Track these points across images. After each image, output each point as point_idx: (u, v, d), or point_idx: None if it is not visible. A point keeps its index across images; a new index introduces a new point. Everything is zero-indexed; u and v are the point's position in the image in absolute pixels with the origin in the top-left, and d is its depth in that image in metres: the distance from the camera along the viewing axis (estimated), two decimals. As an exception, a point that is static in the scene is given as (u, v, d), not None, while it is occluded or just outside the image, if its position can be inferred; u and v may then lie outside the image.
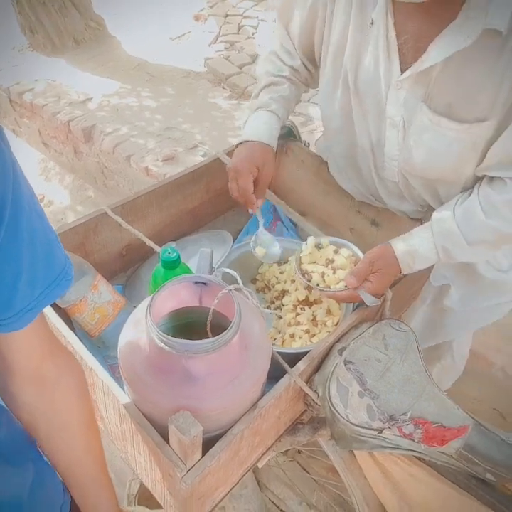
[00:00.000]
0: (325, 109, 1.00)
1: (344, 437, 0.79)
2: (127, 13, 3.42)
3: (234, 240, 1.09)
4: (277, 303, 1.03)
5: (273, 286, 1.04)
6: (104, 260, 1.03)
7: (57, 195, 2.54)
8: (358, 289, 0.83)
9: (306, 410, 0.92)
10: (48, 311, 0.78)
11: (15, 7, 2.89)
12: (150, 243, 0.94)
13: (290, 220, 1.22)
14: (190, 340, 0.60)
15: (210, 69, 2.86)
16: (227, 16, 3.37)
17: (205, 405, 0.65)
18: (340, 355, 0.82)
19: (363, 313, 0.88)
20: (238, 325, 0.64)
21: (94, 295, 0.90)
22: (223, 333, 0.61)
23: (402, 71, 0.83)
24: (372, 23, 0.83)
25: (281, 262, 1.06)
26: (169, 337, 0.60)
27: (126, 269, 1.11)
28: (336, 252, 0.91)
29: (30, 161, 2.74)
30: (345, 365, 0.81)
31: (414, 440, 0.77)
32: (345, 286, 0.84)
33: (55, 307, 0.86)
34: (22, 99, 2.58)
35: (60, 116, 2.43)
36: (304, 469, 1.55)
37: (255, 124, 1.00)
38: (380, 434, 0.77)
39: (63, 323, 0.79)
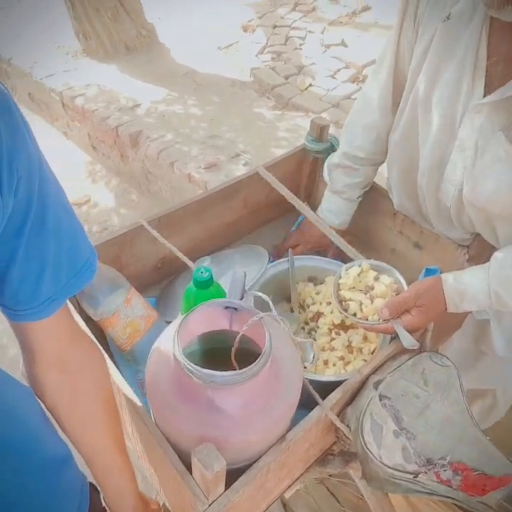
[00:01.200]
0: (395, 131, 0.96)
1: (377, 478, 0.74)
2: (177, 21, 3.47)
3: (270, 255, 1.06)
4: (312, 324, 0.99)
5: (308, 307, 1.01)
6: (139, 272, 1.02)
7: (102, 197, 2.59)
8: (395, 323, 0.79)
9: (336, 442, 0.88)
10: (82, 326, 0.78)
11: (70, 13, 2.98)
12: (184, 258, 0.92)
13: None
14: (217, 372, 0.58)
15: (256, 79, 2.85)
16: (275, 27, 3.37)
17: (230, 437, 0.62)
18: (376, 389, 0.78)
19: (401, 344, 0.83)
20: (268, 356, 0.61)
21: (127, 309, 0.90)
22: (252, 365, 0.59)
23: (485, 94, 0.77)
24: (466, 48, 0.76)
25: (318, 281, 1.03)
26: (196, 367, 0.58)
27: (161, 281, 1.10)
28: (377, 278, 0.86)
29: (79, 163, 2.81)
30: (380, 400, 0.76)
31: (452, 487, 0.71)
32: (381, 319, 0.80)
33: (89, 320, 0.86)
34: (74, 103, 2.65)
35: (110, 121, 2.48)
36: (332, 494, 1.50)
37: (328, 208, 1.11)
38: (416, 479, 0.72)
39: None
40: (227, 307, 0.68)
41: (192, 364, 0.58)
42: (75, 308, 0.85)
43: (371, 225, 1.17)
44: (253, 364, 0.59)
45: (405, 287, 0.84)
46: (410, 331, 0.79)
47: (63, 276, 0.54)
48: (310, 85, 2.81)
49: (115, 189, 2.64)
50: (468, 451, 0.73)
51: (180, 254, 0.92)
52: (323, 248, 1.13)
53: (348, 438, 0.79)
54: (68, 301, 0.59)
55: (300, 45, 3.21)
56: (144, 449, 0.76)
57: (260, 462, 0.68)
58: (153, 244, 0.99)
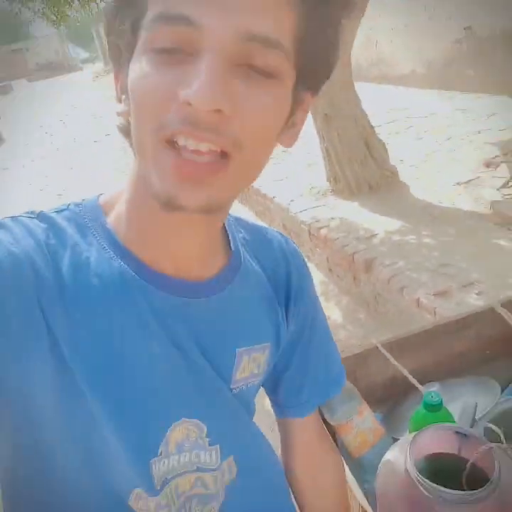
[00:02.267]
0: None
1: None
2: (419, 161, 3.78)
3: (503, 390, 1.05)
4: None
5: None
6: (369, 389, 1.13)
7: (332, 314, 2.83)
8: None
9: None
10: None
11: (325, 160, 3.56)
12: (414, 382, 1.00)
13: None
14: (447, 489, 0.63)
15: (496, 211, 2.85)
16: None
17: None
18: None
19: None
20: (497, 484, 0.63)
21: (359, 420, 1.00)
22: (481, 489, 0.62)
23: None
24: None
25: None
26: (427, 481, 0.65)
27: (387, 400, 1.18)
28: None
29: (315, 282, 3.17)
30: None
31: None
32: None
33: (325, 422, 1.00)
34: (319, 233, 3.08)
35: (347, 248, 2.79)
36: None
37: None
38: None
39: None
40: (457, 432, 0.73)
41: (423, 478, 0.65)
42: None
43: None
44: (482, 488, 0.63)
45: None
46: None
47: (320, 384, 0.70)
48: (558, 219, 2.66)
49: (345, 308, 2.87)
50: None
51: (410, 377, 1.00)
52: None
53: None
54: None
55: (548, 179, 3.11)
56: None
57: None
58: (384, 364, 1.10)
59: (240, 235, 0.64)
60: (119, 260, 0.51)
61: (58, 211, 0.52)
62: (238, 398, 0.61)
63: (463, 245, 2.62)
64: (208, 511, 0.61)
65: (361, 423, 1.00)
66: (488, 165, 3.50)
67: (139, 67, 0.43)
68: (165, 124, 0.42)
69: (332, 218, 3.18)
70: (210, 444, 0.58)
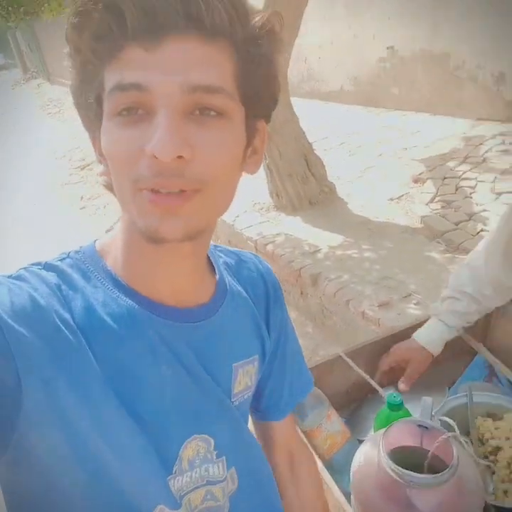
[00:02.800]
0: None
1: None
2: (353, 179, 4.02)
3: (449, 389, 1.20)
4: (491, 458, 1.07)
5: (487, 441, 1.10)
6: (333, 395, 1.24)
7: (280, 328, 2.95)
8: None
9: None
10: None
11: (267, 177, 3.70)
12: (376, 386, 1.12)
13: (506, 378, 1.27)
14: (416, 473, 0.75)
15: (426, 225, 3.11)
16: (445, 178, 3.67)
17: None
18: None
19: None
20: (456, 467, 0.76)
21: (328, 424, 1.11)
22: (445, 471, 0.74)
23: None
24: None
25: (497, 417, 1.12)
26: (398, 467, 0.76)
27: (349, 404, 1.30)
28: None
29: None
30: None
31: None
32: None
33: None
34: (265, 249, 3.20)
35: (294, 264, 2.93)
36: None
37: (428, 332, 1.23)
38: None
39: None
40: (420, 426, 0.85)
41: (395, 465, 0.76)
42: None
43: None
44: (445, 471, 0.75)
45: None
46: None
47: (295, 388, 0.80)
48: (481, 230, 2.95)
49: (294, 322, 2.97)
50: None
51: (372, 381, 1.12)
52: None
53: None
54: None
55: (470, 193, 3.43)
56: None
57: None
58: (347, 371, 1.21)
59: (221, 260, 0.70)
60: (124, 298, 0.56)
61: (61, 260, 0.57)
62: (238, 410, 0.67)
63: (400, 258, 2.84)
64: None
65: (330, 427, 1.11)
66: (416, 181, 3.80)
67: (107, 132, 0.50)
68: (139, 179, 0.48)
69: (277, 234, 3.31)
70: (217, 457, 0.63)
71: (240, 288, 0.69)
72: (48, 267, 0.55)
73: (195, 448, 0.60)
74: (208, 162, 0.48)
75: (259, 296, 0.72)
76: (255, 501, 0.72)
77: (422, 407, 0.92)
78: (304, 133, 3.60)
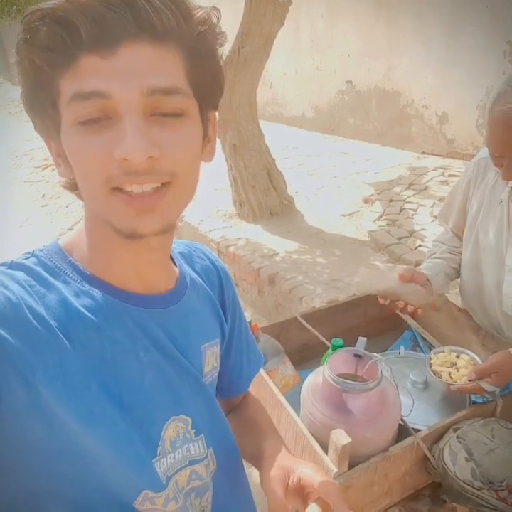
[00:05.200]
0: (463, 258, 1.43)
1: (452, 491, 1.05)
2: (311, 194, 4.37)
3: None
4: None
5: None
6: (288, 350, 1.50)
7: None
8: (481, 382, 1.15)
9: (427, 486, 1.18)
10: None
11: (232, 187, 3.97)
12: (324, 340, 1.39)
13: (427, 346, 1.57)
14: (350, 381, 1.01)
15: (373, 239, 3.47)
16: (391, 200, 4.08)
17: (354, 430, 1.02)
18: (454, 432, 1.12)
19: (476, 410, 1.17)
20: (380, 379, 1.03)
21: (282, 368, 1.36)
22: (372, 380, 1.01)
23: None
24: (501, 202, 1.27)
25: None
26: (337, 377, 1.02)
27: (301, 363, 1.56)
28: (458, 356, 1.25)
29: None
30: (457, 438, 1.10)
31: (507, 503, 1.00)
32: (468, 381, 1.17)
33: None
34: (227, 251, 3.45)
35: (253, 264, 3.19)
36: None
37: (428, 265, 1.48)
38: (481, 492, 1.02)
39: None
40: (355, 355, 1.12)
41: (334, 375, 1.02)
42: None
43: (460, 340, 1.54)
44: (371, 381, 1.01)
45: (480, 361, 1.21)
46: (490, 390, 1.15)
47: (251, 363, 0.85)
48: (419, 246, 3.34)
49: (249, 317, 3.24)
50: (522, 479, 1.02)
51: (321, 336, 1.39)
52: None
53: (434, 467, 1.11)
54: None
55: (412, 214, 3.84)
56: (293, 446, 1.16)
57: (371, 459, 1.04)
58: (300, 331, 1.48)
59: (176, 251, 0.73)
60: (96, 289, 0.57)
61: (26, 258, 0.57)
62: (210, 388, 0.71)
63: (348, 265, 3.17)
64: (205, 501, 0.68)
65: (285, 370, 1.36)
66: (366, 201, 4.19)
67: (72, 139, 0.50)
68: (110, 178, 0.49)
69: (239, 238, 3.57)
70: (196, 435, 0.65)
71: (195, 275, 0.72)
72: (14, 265, 0.55)
73: (175, 429, 0.62)
74: (174, 158, 0.51)
75: (213, 281, 0.75)
76: (233, 479, 0.75)
77: (357, 344, 1.20)
78: (268, 149, 3.91)
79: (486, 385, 1.14)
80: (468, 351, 1.27)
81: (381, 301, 1.37)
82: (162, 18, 0.48)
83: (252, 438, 0.78)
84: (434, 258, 1.51)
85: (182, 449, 0.63)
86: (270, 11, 3.29)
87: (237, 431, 0.79)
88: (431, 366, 1.26)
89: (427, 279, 1.39)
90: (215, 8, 0.54)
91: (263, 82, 5.95)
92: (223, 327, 0.76)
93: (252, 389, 0.91)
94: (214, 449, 0.69)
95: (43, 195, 6.05)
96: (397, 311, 1.39)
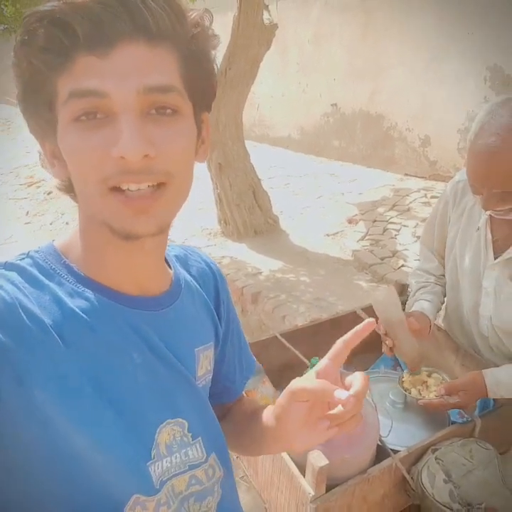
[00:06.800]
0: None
1: (431, 513, 1.04)
2: (295, 214, 4.40)
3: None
4: None
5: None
6: (268, 370, 1.49)
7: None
8: (448, 398, 1.14)
9: (407, 509, 1.17)
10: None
11: (217, 205, 3.98)
12: (304, 359, 1.38)
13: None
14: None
15: (356, 258, 3.49)
16: (375, 221, 4.12)
17: (331, 452, 1.00)
18: (433, 453, 1.11)
19: (455, 430, 1.16)
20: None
21: (262, 388, 1.35)
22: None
23: (495, 258, 1.25)
24: (478, 229, 1.29)
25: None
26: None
27: (281, 384, 1.54)
28: (429, 375, 1.25)
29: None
30: (435, 459, 1.09)
31: (486, 526, 0.99)
32: (436, 397, 1.17)
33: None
34: (211, 269, 3.44)
35: (237, 282, 3.19)
36: None
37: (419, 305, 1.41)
38: (459, 516, 1.01)
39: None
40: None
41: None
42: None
43: (440, 358, 1.55)
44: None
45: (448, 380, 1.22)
46: (456, 408, 1.15)
47: (244, 367, 0.84)
48: (402, 265, 3.36)
49: (233, 337, 3.22)
50: (499, 501, 1.01)
51: (301, 355, 1.38)
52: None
53: (412, 489, 1.10)
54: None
55: (395, 235, 3.88)
56: (270, 473, 1.14)
57: (349, 482, 1.03)
58: (280, 350, 1.46)
59: (172, 254, 0.72)
60: (91, 291, 0.56)
61: (20, 259, 0.56)
62: (203, 392, 0.70)
63: (331, 284, 3.18)
64: (205, 506, 0.67)
65: (265, 390, 1.34)
66: (350, 221, 4.22)
67: (68, 138, 0.50)
68: (107, 177, 0.50)
69: (223, 256, 3.57)
70: (193, 439, 0.64)
71: (189, 278, 0.72)
72: (8, 266, 0.55)
73: (170, 432, 0.61)
74: (170, 157, 0.51)
75: (209, 284, 0.75)
76: (235, 488, 0.74)
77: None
78: (253, 168, 3.95)
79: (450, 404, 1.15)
80: (440, 371, 1.28)
81: (378, 328, 1.32)
82: (157, 18, 0.49)
83: (257, 424, 0.75)
84: (426, 293, 1.46)
85: (180, 454, 0.62)
86: (257, 35, 3.36)
87: (236, 429, 0.78)
88: (402, 384, 1.27)
89: (430, 326, 1.37)
90: (207, 10, 0.55)
91: (250, 104, 6.05)
92: (217, 330, 0.75)
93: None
94: (217, 454, 0.68)
95: (27, 212, 6.00)
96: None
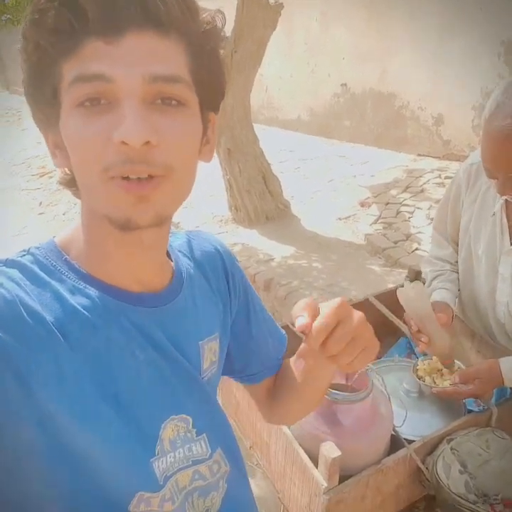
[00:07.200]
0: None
1: (446, 504, 1.02)
2: (306, 199, 4.35)
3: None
4: None
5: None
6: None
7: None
8: (463, 386, 1.12)
9: (422, 499, 1.16)
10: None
11: (227, 192, 3.95)
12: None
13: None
14: (340, 392, 0.99)
15: (369, 242, 3.45)
16: (388, 203, 4.06)
17: (344, 442, 0.99)
18: (448, 443, 1.10)
19: (471, 419, 1.15)
20: (371, 389, 1.00)
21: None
22: (362, 390, 0.99)
23: None
24: (493, 215, 1.25)
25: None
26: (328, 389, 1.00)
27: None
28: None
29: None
30: (450, 449, 1.07)
31: (503, 517, 0.97)
32: (451, 385, 1.15)
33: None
34: (223, 257, 3.43)
35: (249, 269, 3.17)
36: None
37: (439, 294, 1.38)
38: (476, 506, 0.99)
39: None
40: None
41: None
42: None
43: (455, 346, 1.52)
44: (360, 392, 0.99)
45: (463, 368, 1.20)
46: (471, 397, 1.12)
47: (276, 342, 0.82)
48: (416, 249, 3.31)
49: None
50: (517, 492, 1.00)
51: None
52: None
53: (428, 480, 1.08)
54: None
55: (409, 217, 3.81)
56: (283, 464, 1.13)
57: (363, 473, 1.02)
58: (292, 339, 1.45)
59: (175, 244, 0.71)
60: (92, 288, 0.56)
61: (21, 256, 0.56)
62: (208, 385, 0.69)
63: (344, 269, 3.15)
64: (209, 501, 0.67)
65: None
66: (362, 205, 4.16)
67: (71, 123, 0.50)
68: (108, 167, 0.49)
69: (234, 244, 3.55)
70: (197, 435, 0.64)
71: (194, 269, 0.71)
72: (9, 263, 0.55)
73: (174, 428, 0.61)
74: (172, 148, 0.51)
75: (218, 266, 0.74)
76: (241, 478, 0.74)
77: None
78: (263, 153, 3.89)
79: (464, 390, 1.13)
80: (455, 360, 1.25)
81: (407, 319, 1.29)
82: (169, 9, 0.49)
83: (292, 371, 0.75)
84: (444, 281, 1.42)
85: (183, 449, 0.62)
86: (262, 16, 3.28)
87: (292, 385, 0.77)
88: (417, 372, 1.25)
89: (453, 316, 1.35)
90: (220, 11, 0.56)
91: (258, 86, 5.96)
92: (223, 320, 0.74)
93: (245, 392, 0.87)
94: (223, 449, 0.68)
95: (40, 203, 6.04)
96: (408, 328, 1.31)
